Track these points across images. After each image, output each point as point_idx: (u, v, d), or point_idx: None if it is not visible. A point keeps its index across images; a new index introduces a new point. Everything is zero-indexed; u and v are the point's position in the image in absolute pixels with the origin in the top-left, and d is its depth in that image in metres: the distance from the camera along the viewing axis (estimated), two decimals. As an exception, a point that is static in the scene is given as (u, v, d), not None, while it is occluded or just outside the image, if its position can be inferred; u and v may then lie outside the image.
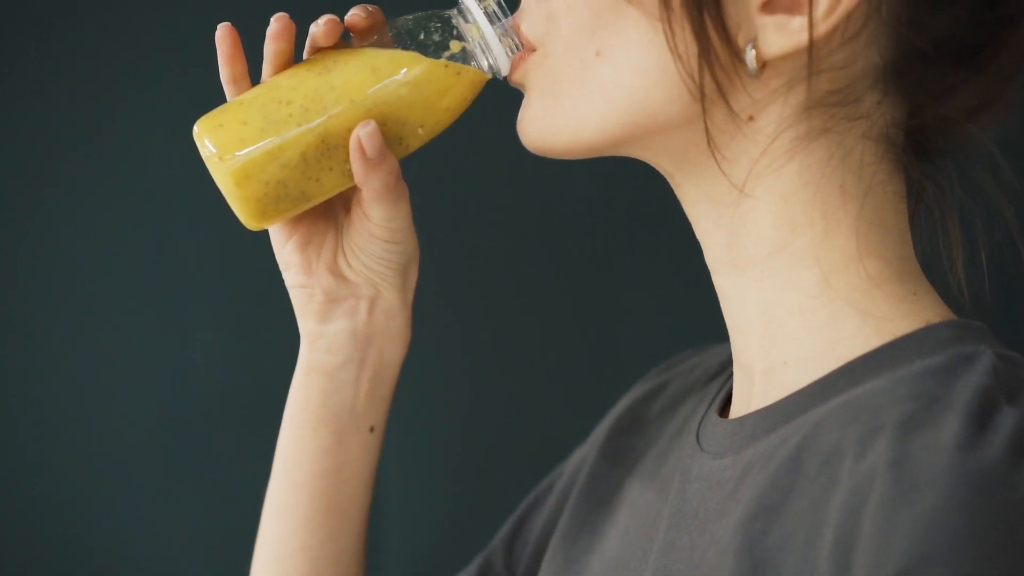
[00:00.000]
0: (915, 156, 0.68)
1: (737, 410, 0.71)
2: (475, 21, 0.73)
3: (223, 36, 0.75)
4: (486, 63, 0.74)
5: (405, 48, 0.74)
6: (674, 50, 0.64)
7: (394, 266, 0.80)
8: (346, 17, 0.74)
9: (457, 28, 0.74)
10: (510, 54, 0.72)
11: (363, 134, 0.72)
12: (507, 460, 1.42)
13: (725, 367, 0.80)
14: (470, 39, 0.74)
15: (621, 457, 0.83)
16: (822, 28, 0.63)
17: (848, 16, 0.63)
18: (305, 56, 0.75)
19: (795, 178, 0.66)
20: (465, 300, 1.42)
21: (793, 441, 0.63)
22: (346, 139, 0.73)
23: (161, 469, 1.37)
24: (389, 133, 0.74)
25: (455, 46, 0.74)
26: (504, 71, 0.73)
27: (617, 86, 0.66)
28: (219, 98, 0.76)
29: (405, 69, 0.73)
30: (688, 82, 0.65)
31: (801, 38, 0.63)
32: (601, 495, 0.82)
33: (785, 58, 0.64)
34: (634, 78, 0.66)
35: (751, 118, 0.66)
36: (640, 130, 0.67)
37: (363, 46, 0.75)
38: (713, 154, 0.67)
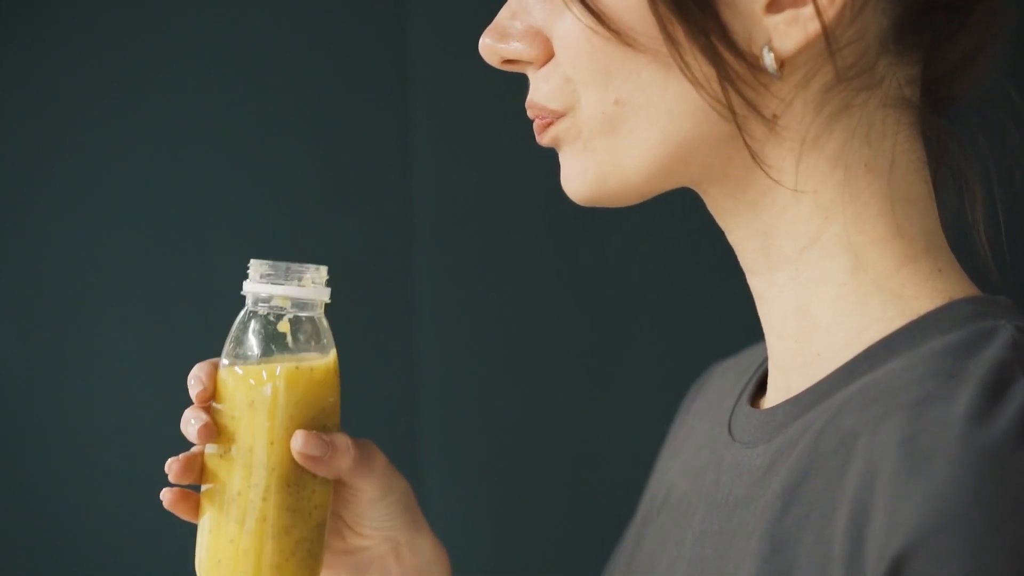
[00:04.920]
0: (934, 112, 0.69)
1: (771, 402, 0.72)
2: (269, 294, 0.74)
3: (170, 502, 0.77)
4: (317, 307, 0.75)
5: (245, 377, 0.74)
6: (694, 81, 0.65)
7: (398, 509, 0.82)
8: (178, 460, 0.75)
9: (269, 314, 0.74)
10: (313, 280, 0.74)
11: (298, 446, 0.74)
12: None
13: (757, 364, 0.81)
14: (285, 309, 0.74)
15: (666, 465, 0.85)
16: (831, 12, 0.63)
17: None
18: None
19: (825, 165, 0.67)
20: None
21: (816, 425, 0.64)
22: (298, 469, 0.75)
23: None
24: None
25: (283, 326, 0.74)
26: (326, 298, 0.75)
27: (645, 128, 0.67)
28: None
29: (268, 388, 0.74)
30: (716, 106, 0.65)
31: (815, 25, 0.63)
32: (651, 501, 0.84)
33: (802, 50, 0.64)
34: (658, 115, 0.66)
35: (775, 116, 0.66)
36: (677, 161, 0.67)
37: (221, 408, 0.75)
38: (760, 166, 0.67)
